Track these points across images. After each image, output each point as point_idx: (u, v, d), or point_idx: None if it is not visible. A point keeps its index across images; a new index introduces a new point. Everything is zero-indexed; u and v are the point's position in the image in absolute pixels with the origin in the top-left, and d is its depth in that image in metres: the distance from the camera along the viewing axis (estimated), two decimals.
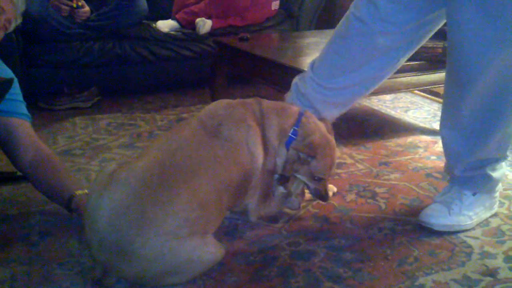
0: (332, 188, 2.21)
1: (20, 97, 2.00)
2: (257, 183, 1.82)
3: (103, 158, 2.60)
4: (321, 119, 1.97)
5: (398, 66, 2.04)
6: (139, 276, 1.52)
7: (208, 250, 1.56)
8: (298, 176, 1.89)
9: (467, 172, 1.93)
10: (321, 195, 1.91)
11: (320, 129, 1.89)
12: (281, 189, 1.95)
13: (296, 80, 2.18)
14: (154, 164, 1.57)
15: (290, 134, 1.84)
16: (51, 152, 2.03)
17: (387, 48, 1.93)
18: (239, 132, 1.74)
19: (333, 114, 2.14)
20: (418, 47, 2.00)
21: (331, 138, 1.91)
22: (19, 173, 2.25)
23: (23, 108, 2.00)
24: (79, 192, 1.89)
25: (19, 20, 2.01)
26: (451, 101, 1.89)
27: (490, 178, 1.93)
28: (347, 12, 1.96)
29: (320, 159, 1.83)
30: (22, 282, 1.63)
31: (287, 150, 1.84)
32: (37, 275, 1.66)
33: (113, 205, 1.48)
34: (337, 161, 1.95)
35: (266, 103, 1.89)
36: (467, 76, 1.74)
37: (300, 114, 1.88)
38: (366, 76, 2.01)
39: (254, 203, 1.88)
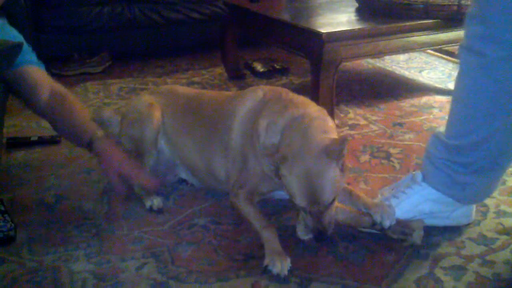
0: (419, 224, 1.61)
1: (30, 50, 1.94)
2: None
3: None
4: (341, 137, 1.56)
5: None
6: None
7: None
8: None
9: None
10: (312, 228, 1.51)
11: (311, 136, 1.49)
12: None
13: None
14: None
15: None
16: (67, 92, 1.93)
17: None
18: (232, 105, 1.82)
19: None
20: None
21: (324, 158, 1.43)
22: (32, 139, 2.27)
23: (33, 57, 1.95)
24: (100, 133, 1.77)
25: None
26: None
27: None
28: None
29: (289, 169, 1.44)
30: (41, 244, 1.66)
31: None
32: (55, 237, 1.69)
33: None
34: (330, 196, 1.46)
35: (287, 94, 1.74)
36: None
37: (302, 116, 1.59)
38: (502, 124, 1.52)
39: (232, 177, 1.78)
